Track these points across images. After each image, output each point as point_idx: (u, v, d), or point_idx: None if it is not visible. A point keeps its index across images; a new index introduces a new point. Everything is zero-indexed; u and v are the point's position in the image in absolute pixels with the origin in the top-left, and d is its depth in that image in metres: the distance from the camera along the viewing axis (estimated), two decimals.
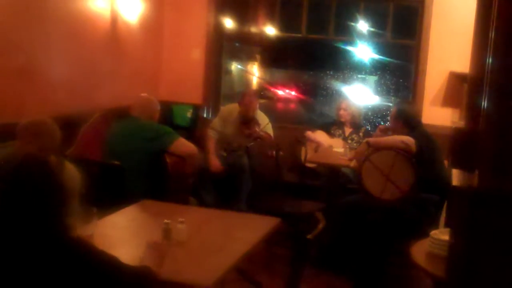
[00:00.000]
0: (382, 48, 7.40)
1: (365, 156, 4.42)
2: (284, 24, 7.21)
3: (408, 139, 4.45)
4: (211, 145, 5.77)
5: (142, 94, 4.49)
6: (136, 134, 4.08)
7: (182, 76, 6.72)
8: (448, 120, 5.81)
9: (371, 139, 4.71)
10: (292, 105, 9.35)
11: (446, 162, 4.73)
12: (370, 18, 6.95)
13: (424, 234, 3.05)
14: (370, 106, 7.47)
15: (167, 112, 6.37)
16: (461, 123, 4.12)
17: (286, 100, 9.44)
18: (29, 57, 4.65)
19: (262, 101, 8.79)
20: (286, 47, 8.59)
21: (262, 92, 9.42)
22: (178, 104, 6.65)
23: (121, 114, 4.48)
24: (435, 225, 4.28)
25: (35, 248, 1.63)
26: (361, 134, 5.87)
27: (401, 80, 7.38)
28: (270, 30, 7.69)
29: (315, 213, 3.42)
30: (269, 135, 5.78)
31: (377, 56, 7.56)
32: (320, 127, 6.06)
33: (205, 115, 6.72)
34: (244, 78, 9.45)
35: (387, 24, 6.68)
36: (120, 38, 5.84)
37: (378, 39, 7.06)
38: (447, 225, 3.37)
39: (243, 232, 3.05)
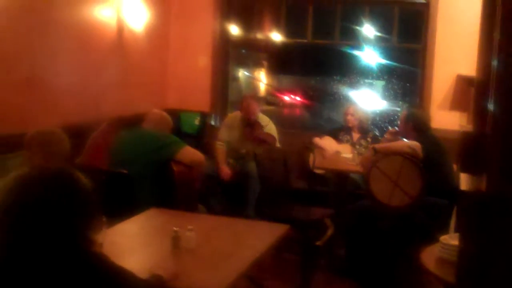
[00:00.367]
0: (388, 52, 7.38)
1: (372, 162, 4.41)
2: (290, 30, 7.21)
3: (414, 144, 4.44)
4: (221, 156, 5.82)
5: (155, 110, 4.51)
6: (143, 143, 4.09)
7: (189, 84, 6.74)
8: (456, 124, 5.78)
9: (377, 145, 4.70)
10: (299, 111, 9.35)
11: (454, 167, 4.71)
12: (375, 22, 6.94)
13: (434, 239, 3.04)
14: (378, 111, 7.45)
15: (175, 120, 6.35)
16: (469, 127, 4.12)
17: (293, 106, 9.45)
18: (35, 66, 4.67)
19: (269, 107, 8.81)
20: (292, 53, 8.60)
21: (269, 99, 9.44)
22: (186, 111, 6.66)
23: (128, 122, 4.49)
24: (445, 230, 4.26)
25: (59, 263, 1.61)
26: (369, 139, 5.85)
27: (408, 84, 7.36)
28: (276, 36, 7.70)
29: (324, 220, 3.42)
30: (272, 136, 5.80)
31: (383, 61, 7.54)
32: (328, 132, 6.05)
33: (212, 123, 6.72)
34: (251, 84, 9.46)
35: (392, 28, 6.67)
36: (126, 46, 5.86)
37: (384, 44, 7.05)
38: (457, 230, 3.36)
39: (252, 239, 3.05)
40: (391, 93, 8.12)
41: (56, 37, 4.89)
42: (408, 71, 6.99)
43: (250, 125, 5.82)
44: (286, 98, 9.45)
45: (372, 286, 4.41)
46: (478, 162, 1.65)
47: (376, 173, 4.35)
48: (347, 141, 5.91)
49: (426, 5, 6.12)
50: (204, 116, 6.68)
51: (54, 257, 1.59)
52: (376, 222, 4.42)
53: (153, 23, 6.24)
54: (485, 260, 1.53)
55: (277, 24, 7.39)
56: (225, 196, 5.66)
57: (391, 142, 4.84)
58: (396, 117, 7.01)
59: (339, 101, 8.23)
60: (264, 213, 4.91)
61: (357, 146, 5.78)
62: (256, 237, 3.09)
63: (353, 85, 8.31)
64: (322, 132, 6.13)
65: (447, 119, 5.89)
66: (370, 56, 7.38)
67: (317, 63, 8.80)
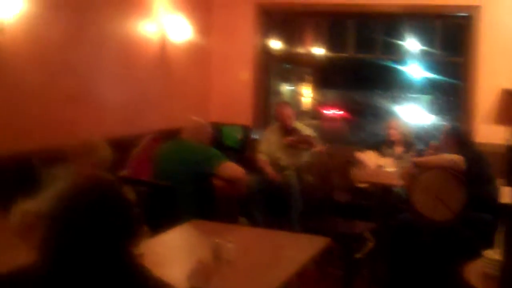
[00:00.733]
0: (431, 66, 7.31)
1: (413, 176, 4.37)
2: (332, 44, 7.23)
3: (456, 158, 4.38)
4: (265, 162, 5.85)
5: (194, 118, 4.53)
6: (183, 156, 4.14)
7: (231, 98, 6.80)
8: (501, 138, 5.68)
9: (417, 159, 4.67)
10: (342, 125, 9.31)
11: (499, 181, 4.63)
12: (417, 36, 6.90)
13: (478, 254, 2.99)
14: (421, 125, 7.37)
15: (217, 133, 6.43)
16: None
17: (335, 120, 9.41)
18: (82, 80, 4.80)
19: (312, 121, 8.79)
20: (335, 68, 8.58)
21: (312, 113, 9.43)
22: (228, 125, 6.72)
23: (171, 136, 4.56)
24: (490, 245, 4.17)
25: (100, 272, 1.63)
26: (412, 153, 5.79)
27: (451, 98, 7.27)
28: (318, 51, 7.71)
29: (364, 233, 3.40)
30: (310, 136, 5.82)
31: (426, 74, 7.48)
32: (371, 146, 6.02)
33: (254, 136, 6.76)
34: (294, 99, 9.47)
35: (435, 42, 6.61)
36: (169, 61, 5.97)
37: (427, 57, 7.00)
38: (500, 244, 3.29)
39: (291, 251, 3.05)
40: (435, 107, 8.02)
41: (103, 53, 5.02)
42: (452, 84, 6.91)
43: (288, 132, 5.86)
44: (328, 112, 9.43)
45: None
46: None
47: (418, 187, 4.31)
48: (390, 155, 5.86)
49: (469, 18, 6.04)
50: (246, 129, 6.72)
51: (95, 266, 1.62)
52: (418, 236, 4.37)
53: (195, 38, 6.33)
54: None
55: (319, 39, 7.41)
56: (268, 209, 5.66)
57: (432, 156, 4.78)
58: (440, 130, 6.91)
59: (382, 115, 8.17)
60: (307, 226, 4.90)
61: (400, 160, 5.73)
62: (296, 250, 3.08)
63: (396, 99, 8.24)
64: (364, 146, 6.10)
65: (491, 133, 5.80)
66: (412, 69, 7.33)
67: (359, 77, 8.76)
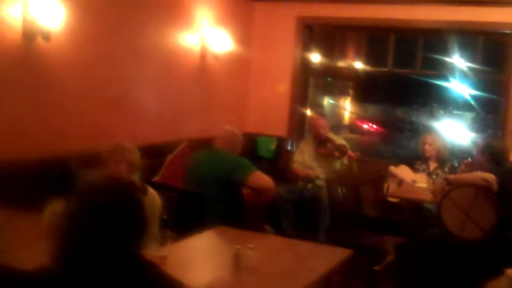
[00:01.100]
0: (471, 82, 7.27)
1: (444, 192, 4.36)
2: (371, 58, 7.25)
3: (489, 177, 4.33)
4: (299, 169, 5.93)
5: (227, 127, 4.62)
6: (215, 164, 4.24)
7: (268, 109, 6.88)
8: None
9: (450, 176, 4.64)
10: (377, 139, 9.30)
11: None
12: (459, 52, 6.86)
13: (502, 273, 2.99)
14: (459, 142, 7.31)
15: (252, 144, 6.53)
16: None
17: (371, 134, 9.41)
18: (124, 89, 4.94)
19: (351, 136, 8.81)
20: (376, 82, 8.59)
21: (351, 127, 9.45)
22: (262, 135, 6.80)
23: (205, 144, 4.66)
24: None
25: (108, 270, 1.71)
26: (446, 169, 5.76)
27: (491, 115, 7.20)
28: (359, 65, 7.74)
29: (386, 245, 3.42)
30: (343, 145, 5.84)
31: (467, 91, 7.42)
32: (405, 161, 6.01)
33: (289, 148, 6.82)
34: (335, 112, 9.50)
35: (477, 58, 6.57)
36: (209, 72, 6.08)
37: (467, 73, 6.95)
38: None
39: (313, 261, 3.10)
40: (474, 124, 7.96)
41: (144, 63, 5.16)
42: (492, 101, 6.85)
43: (321, 142, 5.94)
44: (365, 126, 9.43)
45: None
46: None
47: (448, 204, 4.30)
48: (423, 171, 5.85)
49: (510, 35, 6.00)
50: (280, 140, 6.79)
51: (103, 265, 1.70)
52: (446, 253, 4.35)
53: (235, 50, 6.43)
54: None
55: (359, 53, 7.44)
56: (297, 220, 5.71)
57: (464, 173, 4.76)
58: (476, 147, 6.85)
59: (419, 131, 8.14)
60: (335, 239, 4.93)
61: (434, 176, 5.71)
62: (318, 260, 3.12)
63: (433, 114, 8.20)
64: (398, 161, 6.09)
65: None
66: (451, 85, 7.28)
67: (397, 92, 8.75)
